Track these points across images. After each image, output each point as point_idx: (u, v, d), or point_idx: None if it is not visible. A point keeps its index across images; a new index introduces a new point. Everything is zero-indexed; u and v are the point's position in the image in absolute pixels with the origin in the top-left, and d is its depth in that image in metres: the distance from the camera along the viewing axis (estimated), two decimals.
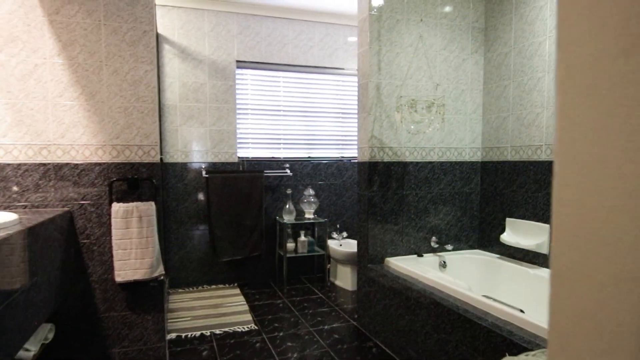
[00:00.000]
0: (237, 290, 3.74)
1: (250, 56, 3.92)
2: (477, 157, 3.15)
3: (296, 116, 4.14)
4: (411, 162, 2.92)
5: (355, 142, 4.38)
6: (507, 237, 2.82)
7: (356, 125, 4.37)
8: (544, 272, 2.54)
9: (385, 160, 2.83)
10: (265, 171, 3.92)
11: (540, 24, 2.63)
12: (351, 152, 4.36)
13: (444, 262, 2.93)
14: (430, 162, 2.98)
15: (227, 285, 3.90)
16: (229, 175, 3.74)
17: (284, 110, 4.09)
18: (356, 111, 4.36)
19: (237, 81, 3.92)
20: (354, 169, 4.31)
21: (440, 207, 3.04)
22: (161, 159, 3.32)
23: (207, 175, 3.69)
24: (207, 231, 3.82)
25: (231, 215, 3.75)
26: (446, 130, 3.01)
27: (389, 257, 2.88)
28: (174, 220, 3.77)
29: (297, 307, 3.33)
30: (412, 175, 2.92)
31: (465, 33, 3.05)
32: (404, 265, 2.66)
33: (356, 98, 4.46)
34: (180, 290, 3.76)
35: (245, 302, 3.42)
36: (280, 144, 4.11)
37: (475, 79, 3.10)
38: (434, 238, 3.02)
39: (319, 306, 3.35)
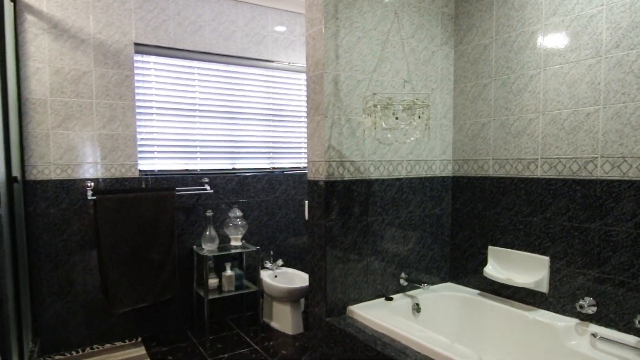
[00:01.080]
0: (141, 349, 2.79)
1: (154, 39, 2.98)
2: (448, 171, 2.60)
3: (216, 118, 3.28)
4: (376, 180, 2.27)
5: (290, 150, 3.64)
6: (492, 271, 2.30)
7: (290, 130, 3.64)
8: (544, 317, 2.04)
9: (346, 179, 2.15)
10: (177, 188, 3.01)
11: (533, 10, 2.14)
12: (284, 161, 3.62)
13: (417, 304, 2.33)
14: (398, 179, 2.36)
15: (126, 342, 2.91)
16: (126, 196, 2.77)
17: (200, 111, 3.21)
18: (289, 113, 3.63)
19: (136, 70, 2.95)
20: (288, 182, 3.57)
21: (410, 234, 2.43)
22: (14, 177, 2.27)
23: (94, 197, 2.68)
24: (97, 271, 2.80)
25: (130, 249, 2.79)
26: (427, 139, 2.41)
27: (353, 304, 2.19)
28: (47, 260, 2.69)
29: None
30: (377, 196, 2.27)
31: (434, 19, 2.48)
32: (373, 317, 2.00)
33: (289, 97, 3.76)
34: (57, 356, 2.70)
35: None
36: (196, 152, 3.23)
37: (445, 77, 2.54)
38: (402, 274, 2.40)
39: None
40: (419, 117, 1.87)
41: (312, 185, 2.17)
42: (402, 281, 2.39)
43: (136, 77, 2.95)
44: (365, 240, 2.23)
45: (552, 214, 2.07)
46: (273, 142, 3.56)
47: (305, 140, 3.72)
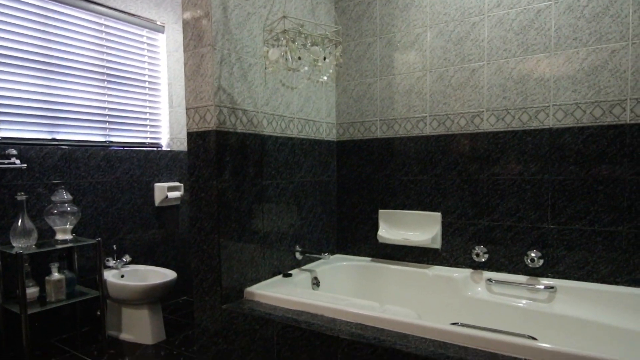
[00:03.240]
0: None
1: None
2: (333, 135, 2.44)
3: (25, 69, 2.40)
4: (270, 137, 1.94)
5: (131, 122, 2.96)
6: (386, 234, 2.22)
7: (131, 97, 2.95)
8: (442, 271, 2.05)
9: (239, 131, 1.75)
10: None
11: None
12: (122, 134, 2.91)
13: (316, 277, 2.08)
14: (290, 139, 2.07)
15: None
16: None
17: None
18: (130, 76, 2.94)
19: None
20: (132, 160, 2.89)
21: (302, 201, 2.17)
22: None
23: None
24: None
25: None
26: (305, 94, 2.17)
27: (250, 285, 1.81)
28: None
29: None
30: (272, 156, 1.94)
31: None
32: (279, 294, 1.67)
33: (130, 57, 2.99)
34: None
35: None
36: None
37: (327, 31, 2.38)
38: (297, 247, 2.13)
39: None
40: (329, 54, 1.63)
41: (196, 139, 1.70)
42: (297, 255, 2.11)
43: None
44: (261, 208, 1.88)
45: (442, 170, 2.11)
46: (109, 109, 2.82)
47: (151, 112, 3.08)
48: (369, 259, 2.34)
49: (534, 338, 1.59)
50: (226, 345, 1.66)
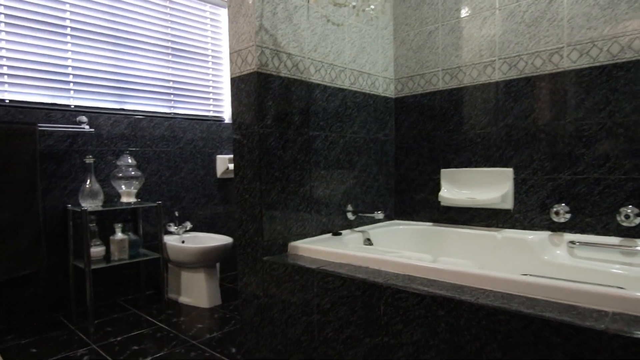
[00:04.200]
0: None
1: None
2: (391, 91, 2.27)
3: (97, 42, 2.53)
4: (318, 85, 1.82)
5: (195, 95, 3.02)
6: (448, 194, 2.01)
7: (195, 71, 3.01)
8: (517, 234, 1.79)
9: (283, 75, 1.66)
10: (41, 124, 2.22)
11: None
12: (186, 107, 2.99)
13: (368, 239, 1.93)
14: (341, 89, 1.94)
15: None
16: None
17: (73, 29, 2.44)
18: (195, 50, 3.01)
19: None
20: (195, 131, 2.95)
21: (355, 158, 2.03)
22: None
23: None
24: None
25: None
26: (358, 44, 2.03)
27: (295, 240, 1.71)
28: None
29: (121, 354, 1.83)
30: (319, 106, 1.83)
31: None
32: (326, 248, 1.55)
33: (195, 32, 3.04)
34: None
35: None
36: (69, 83, 2.44)
37: None
38: (349, 206, 1.99)
39: (161, 343, 1.92)
40: None
41: (238, 83, 1.64)
42: (349, 215, 1.97)
43: None
44: (308, 160, 1.77)
45: (514, 119, 1.84)
46: (174, 82, 2.91)
47: (214, 86, 3.13)
48: (430, 223, 2.13)
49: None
50: (267, 299, 1.58)
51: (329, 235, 1.85)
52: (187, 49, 2.96)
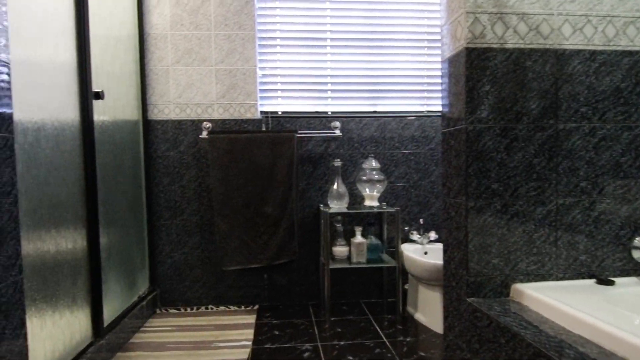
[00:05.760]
0: (251, 317, 2.33)
1: None
2: None
3: (352, 48, 2.61)
4: (578, 52, 1.21)
5: None
6: None
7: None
8: None
9: (509, 46, 1.18)
10: (301, 131, 2.48)
11: None
12: (439, 102, 2.68)
13: None
14: (626, 54, 1.23)
15: (242, 308, 2.51)
16: (238, 137, 2.37)
17: (332, 40, 2.60)
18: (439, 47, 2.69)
19: None
20: None
21: None
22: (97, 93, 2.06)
23: (207, 137, 2.37)
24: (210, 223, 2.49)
25: (242, 198, 2.37)
26: None
27: (523, 280, 1.20)
28: (166, 206, 2.51)
29: None
30: (578, 83, 1.21)
31: None
32: (575, 308, 0.97)
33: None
34: (172, 310, 2.48)
35: (249, 342, 1.98)
36: (326, 92, 2.63)
37: None
38: (637, 240, 1.25)
39: None
40: None
41: (448, 67, 1.27)
42: (636, 252, 1.24)
43: (257, 4, 2.54)
44: (554, 165, 1.20)
45: None
46: (427, 77, 2.68)
47: None
48: None
49: None
50: (469, 354, 1.15)
51: (592, 282, 1.20)
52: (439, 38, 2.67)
